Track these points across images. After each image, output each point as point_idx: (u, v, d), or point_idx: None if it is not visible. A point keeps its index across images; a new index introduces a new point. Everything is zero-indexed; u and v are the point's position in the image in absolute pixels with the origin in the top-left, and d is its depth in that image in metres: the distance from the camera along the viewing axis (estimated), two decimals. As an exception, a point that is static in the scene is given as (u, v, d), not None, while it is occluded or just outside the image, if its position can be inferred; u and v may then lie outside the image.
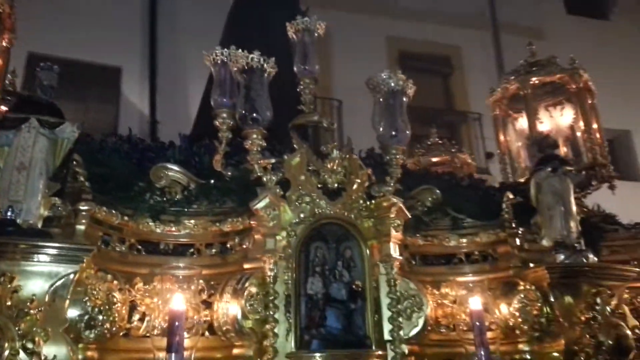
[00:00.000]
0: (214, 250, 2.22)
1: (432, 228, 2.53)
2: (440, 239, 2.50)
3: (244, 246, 2.14)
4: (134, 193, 2.19)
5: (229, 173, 2.37)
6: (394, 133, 2.37)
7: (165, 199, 2.24)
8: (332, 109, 8.41)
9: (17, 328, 1.50)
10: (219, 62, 2.39)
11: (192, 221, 2.18)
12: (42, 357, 1.51)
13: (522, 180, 3.04)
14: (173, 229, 2.16)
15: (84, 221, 1.91)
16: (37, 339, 1.51)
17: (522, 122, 3.21)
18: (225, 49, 2.39)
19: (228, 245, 2.22)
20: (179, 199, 2.27)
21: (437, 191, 2.61)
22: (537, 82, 3.12)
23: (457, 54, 10.63)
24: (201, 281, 2.04)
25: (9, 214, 1.68)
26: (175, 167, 2.31)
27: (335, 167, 2.18)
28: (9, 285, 1.55)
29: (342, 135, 7.97)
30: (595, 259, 2.31)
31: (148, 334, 1.89)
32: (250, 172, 2.27)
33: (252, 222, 2.10)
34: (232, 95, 2.38)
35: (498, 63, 10.55)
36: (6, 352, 1.47)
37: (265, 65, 2.25)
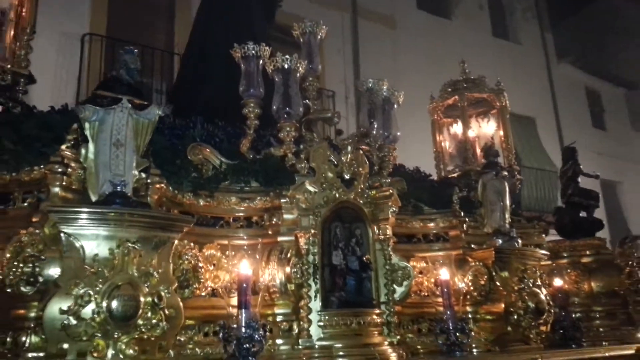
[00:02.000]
0: (240, 224, 2.61)
1: (401, 213, 3.17)
2: (406, 222, 3.15)
3: (273, 222, 2.57)
4: (176, 168, 2.48)
5: (250, 156, 2.76)
6: (387, 134, 2.96)
7: (198, 175, 2.57)
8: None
9: (146, 284, 1.81)
10: (249, 55, 2.73)
11: (232, 198, 2.55)
12: (165, 312, 1.84)
13: (454, 175, 3.84)
14: (224, 204, 2.50)
15: (155, 195, 2.19)
16: (162, 294, 1.84)
17: (455, 128, 3.99)
18: (256, 45, 2.75)
19: (253, 220, 2.63)
20: (209, 176, 2.61)
21: (404, 182, 3.26)
22: (471, 97, 3.90)
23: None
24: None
25: (118, 187, 1.94)
26: (208, 147, 2.63)
27: (350, 160, 2.69)
28: (130, 250, 1.84)
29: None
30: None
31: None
32: (272, 156, 2.69)
33: (282, 202, 2.54)
34: (259, 87, 2.75)
35: (354, 46, 11.54)
36: (141, 306, 1.78)
37: (298, 65, 2.66)
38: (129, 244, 1.81)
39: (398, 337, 2.58)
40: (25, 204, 2.10)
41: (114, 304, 1.73)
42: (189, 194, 2.46)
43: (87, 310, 1.70)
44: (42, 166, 2.05)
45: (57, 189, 2.00)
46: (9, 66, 2.33)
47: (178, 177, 2.45)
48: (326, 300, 2.45)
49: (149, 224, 1.91)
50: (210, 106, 3.12)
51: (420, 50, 11.76)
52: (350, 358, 2.36)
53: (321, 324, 2.39)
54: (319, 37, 3.09)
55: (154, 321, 1.79)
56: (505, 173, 3.24)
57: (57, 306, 1.69)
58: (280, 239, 2.51)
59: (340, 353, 2.36)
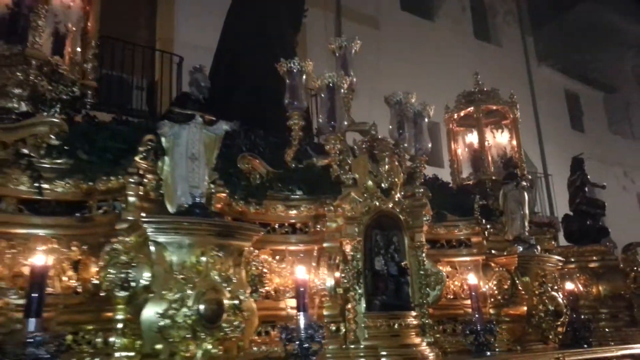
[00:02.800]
0: (285, 230, 2.79)
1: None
2: (431, 229, 3.36)
3: (317, 229, 2.76)
4: (228, 176, 2.65)
5: (293, 165, 2.94)
6: (418, 146, 3.17)
7: (247, 183, 2.74)
8: (172, 65, 8.63)
9: (227, 288, 1.99)
10: (293, 70, 2.91)
11: (279, 206, 2.73)
12: (244, 314, 2.02)
13: (470, 182, 4.07)
14: (271, 211, 2.67)
15: (219, 204, 2.36)
16: (241, 297, 2.01)
17: (470, 137, 4.23)
18: (300, 62, 2.93)
19: (297, 226, 2.81)
20: (257, 184, 2.78)
21: (429, 191, 3.47)
22: (485, 108, 4.14)
23: (302, 30, 11.57)
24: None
25: (197, 198, 2.10)
26: (257, 157, 2.81)
27: (388, 171, 2.89)
28: (212, 255, 2.01)
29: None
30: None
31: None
32: (313, 165, 2.88)
33: (326, 210, 2.73)
34: (302, 100, 2.93)
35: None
36: (225, 309, 1.96)
37: (341, 83, 2.85)
38: (214, 252, 1.98)
39: (433, 337, 2.80)
40: (100, 212, 2.24)
41: (202, 307, 1.90)
42: (241, 202, 2.63)
43: (180, 314, 1.87)
44: (118, 176, 2.20)
45: (134, 199, 2.15)
46: (75, 77, 2.44)
47: (231, 185, 2.62)
48: (370, 303, 2.66)
49: (226, 232, 2.09)
50: (244, 114, 3.27)
51: (403, 51, 12.01)
52: (392, 357, 2.57)
53: (365, 325, 2.60)
54: (353, 51, 3.27)
55: (235, 323, 1.97)
56: (524, 184, 3.49)
57: (153, 310, 1.85)
58: (325, 245, 2.70)
59: (384, 353, 2.57)
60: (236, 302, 2.00)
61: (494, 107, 4.18)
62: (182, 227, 1.99)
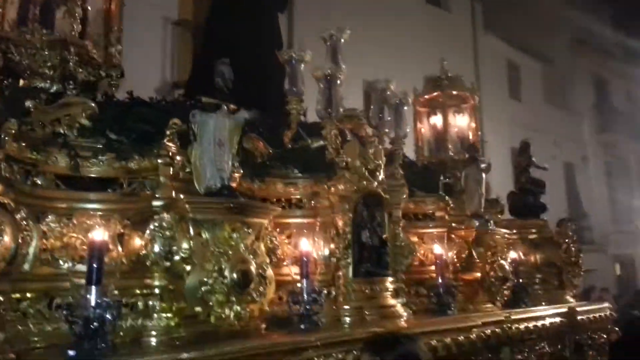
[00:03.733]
0: (282, 205, 3.17)
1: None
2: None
3: (312, 204, 3.17)
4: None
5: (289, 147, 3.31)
6: (399, 131, 3.61)
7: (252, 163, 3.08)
8: None
9: (254, 260, 2.39)
10: (293, 60, 3.24)
11: (279, 184, 3.10)
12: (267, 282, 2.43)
13: (433, 160, 4.59)
14: (271, 189, 3.05)
15: (234, 183, 2.71)
16: (265, 267, 2.42)
17: (435, 119, 4.71)
18: (296, 52, 3.26)
19: (293, 202, 3.20)
20: (259, 163, 3.13)
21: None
22: (449, 93, 4.63)
23: None
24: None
25: (225, 181, 2.46)
26: (260, 138, 3.15)
27: (373, 154, 3.31)
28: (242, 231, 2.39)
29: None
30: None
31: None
32: (308, 147, 3.27)
33: (316, 188, 3.14)
34: (301, 86, 3.27)
35: (289, 26, 11.94)
36: (253, 278, 2.36)
37: (338, 74, 3.22)
38: (244, 229, 2.36)
39: (405, 299, 3.32)
40: (129, 189, 2.54)
41: (235, 276, 2.29)
42: (248, 180, 2.99)
43: (218, 282, 2.25)
44: (151, 157, 2.50)
45: (166, 179, 2.47)
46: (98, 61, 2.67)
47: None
48: (356, 270, 3.12)
49: (251, 211, 2.47)
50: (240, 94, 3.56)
51: (355, 13, 12.26)
52: (374, 316, 3.06)
53: (353, 289, 3.07)
54: (342, 40, 3.60)
55: (260, 289, 2.38)
56: (483, 165, 4.02)
57: (196, 278, 2.23)
58: (319, 220, 3.12)
59: (367, 312, 3.05)
60: (261, 271, 2.40)
61: (458, 93, 4.66)
62: (216, 207, 2.35)
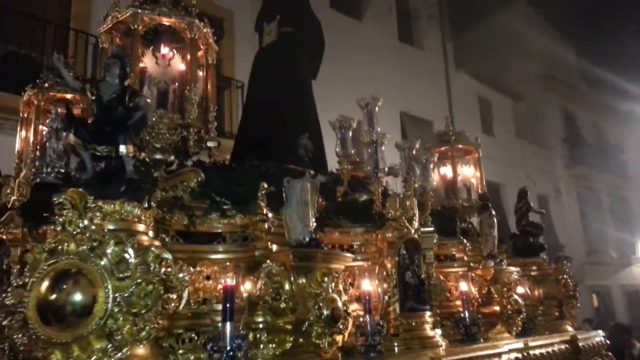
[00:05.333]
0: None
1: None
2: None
3: (362, 250, 3.89)
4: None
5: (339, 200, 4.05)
6: (426, 184, 4.41)
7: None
8: (87, 46, 9.03)
9: (340, 299, 3.09)
10: (342, 129, 4.01)
11: (336, 233, 3.82)
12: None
13: (446, 206, 5.38)
14: (328, 237, 3.76)
15: (311, 234, 3.42)
16: (347, 305, 3.13)
17: (444, 170, 5.54)
18: (346, 120, 4.03)
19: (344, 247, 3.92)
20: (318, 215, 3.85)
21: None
22: (457, 147, 5.48)
23: (230, 19, 12.42)
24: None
25: (312, 235, 3.17)
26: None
27: (410, 205, 4.07)
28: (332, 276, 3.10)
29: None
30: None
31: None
32: (356, 200, 4.02)
33: (370, 235, 3.88)
34: (350, 149, 4.04)
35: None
36: (342, 314, 3.06)
37: (382, 140, 4.00)
38: (335, 273, 3.08)
39: (441, 330, 4.06)
40: (232, 242, 3.23)
41: (329, 313, 2.99)
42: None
43: (318, 317, 2.95)
44: (249, 215, 3.21)
45: (263, 234, 3.18)
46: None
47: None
48: (402, 307, 3.85)
49: (335, 259, 3.19)
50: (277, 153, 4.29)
51: (331, 49, 13.18)
52: (417, 344, 3.77)
53: (400, 322, 3.78)
54: (376, 108, 4.40)
55: (345, 324, 3.08)
56: (494, 212, 4.84)
57: (300, 315, 2.92)
58: (370, 263, 3.86)
59: (412, 341, 3.77)
60: (345, 308, 3.11)
61: (463, 147, 5.52)
62: (311, 256, 3.06)
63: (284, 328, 2.99)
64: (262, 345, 2.98)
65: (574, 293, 5.32)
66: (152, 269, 2.20)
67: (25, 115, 4.10)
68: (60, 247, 2.15)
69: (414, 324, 3.82)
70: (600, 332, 5.58)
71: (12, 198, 3.13)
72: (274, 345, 2.98)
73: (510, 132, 21.89)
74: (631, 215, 26.19)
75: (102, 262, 2.12)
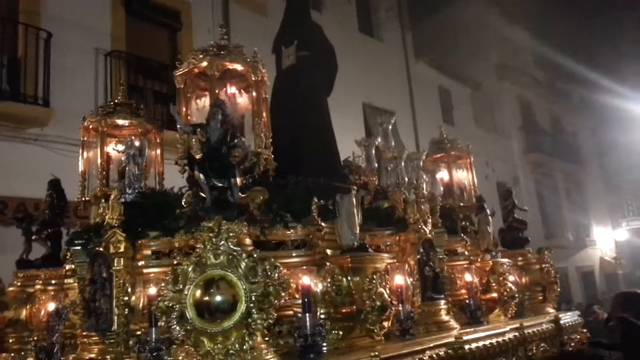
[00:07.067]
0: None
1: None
2: (433, 243, 5.53)
3: (389, 249, 4.77)
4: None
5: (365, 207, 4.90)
6: (435, 192, 5.32)
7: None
8: (38, 41, 9.37)
9: (385, 293, 3.96)
10: (369, 146, 4.85)
11: (366, 235, 4.67)
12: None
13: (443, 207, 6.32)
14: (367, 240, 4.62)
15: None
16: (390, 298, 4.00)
17: (440, 174, 6.47)
18: (370, 140, 4.88)
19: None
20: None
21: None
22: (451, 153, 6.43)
23: (187, 10, 13.05)
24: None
25: (359, 240, 4.02)
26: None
27: (425, 210, 4.96)
28: (379, 274, 3.96)
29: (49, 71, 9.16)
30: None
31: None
32: (379, 207, 4.89)
33: (394, 237, 4.75)
34: (374, 165, 4.89)
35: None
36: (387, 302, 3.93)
37: (402, 155, 4.87)
38: (379, 272, 3.94)
39: (452, 314, 4.99)
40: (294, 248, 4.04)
41: (379, 303, 3.85)
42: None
43: (372, 308, 3.80)
44: (305, 225, 4.03)
45: (320, 242, 4.01)
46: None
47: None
48: (424, 295, 4.75)
49: (378, 259, 4.05)
50: (309, 167, 5.10)
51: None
52: (433, 328, 4.67)
53: (422, 310, 4.68)
54: (390, 126, 5.26)
55: (389, 312, 3.95)
56: (489, 211, 5.81)
57: (359, 306, 3.77)
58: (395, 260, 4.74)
59: (431, 325, 4.68)
60: (390, 300, 3.98)
61: (456, 153, 6.47)
62: (362, 258, 3.92)
63: (344, 317, 3.83)
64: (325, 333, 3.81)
65: (555, 279, 6.37)
66: (270, 274, 3.00)
67: (85, 138, 4.77)
68: (203, 260, 2.93)
69: (433, 310, 4.74)
70: (577, 312, 6.67)
71: (108, 216, 3.82)
72: (335, 332, 3.82)
73: (469, 121, 23.15)
74: (586, 200, 28.21)
75: (239, 270, 2.91)
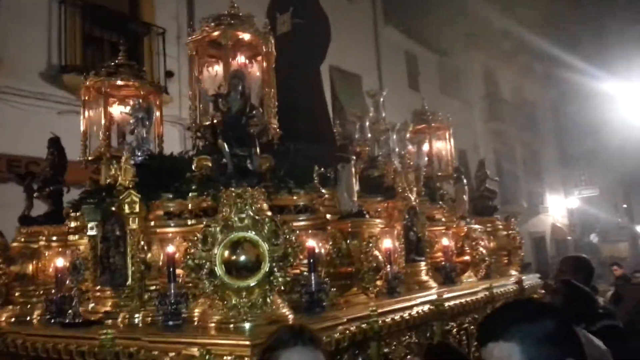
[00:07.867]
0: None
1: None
2: (414, 210, 5.98)
3: (378, 215, 5.17)
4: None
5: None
6: (419, 162, 5.74)
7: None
8: None
9: (379, 256, 4.39)
10: (364, 120, 5.20)
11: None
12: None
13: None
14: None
15: (349, 205, 4.67)
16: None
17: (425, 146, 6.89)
18: (365, 113, 5.23)
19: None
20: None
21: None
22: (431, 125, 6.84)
23: None
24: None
25: (357, 206, 4.41)
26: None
27: (412, 180, 5.36)
28: (374, 238, 4.38)
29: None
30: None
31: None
32: (371, 175, 5.29)
33: (383, 204, 5.16)
34: (367, 134, 5.25)
35: (188, 6, 13.13)
36: (381, 263, 4.36)
37: (395, 128, 5.24)
38: (376, 236, 4.34)
39: (431, 274, 5.47)
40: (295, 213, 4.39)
41: (375, 265, 4.27)
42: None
43: (368, 268, 4.22)
44: (309, 192, 4.38)
45: (320, 207, 4.37)
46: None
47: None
48: (407, 257, 5.19)
49: (372, 224, 4.45)
50: (304, 134, 5.42)
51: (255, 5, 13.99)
52: (415, 285, 5.14)
53: (405, 270, 5.14)
54: (382, 99, 5.60)
55: (382, 273, 4.38)
56: (465, 181, 6.27)
57: (358, 267, 4.18)
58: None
59: (412, 284, 5.15)
60: (383, 261, 4.40)
61: (435, 125, 6.89)
62: (360, 223, 4.31)
63: (342, 276, 4.24)
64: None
65: (520, 245, 6.94)
66: (288, 237, 3.36)
67: (86, 98, 4.95)
68: (230, 222, 3.27)
69: (415, 271, 5.20)
70: (537, 275, 7.29)
71: (121, 178, 4.07)
72: (335, 289, 4.23)
73: (434, 87, 23.59)
74: (540, 168, 29.37)
75: (263, 233, 3.26)
